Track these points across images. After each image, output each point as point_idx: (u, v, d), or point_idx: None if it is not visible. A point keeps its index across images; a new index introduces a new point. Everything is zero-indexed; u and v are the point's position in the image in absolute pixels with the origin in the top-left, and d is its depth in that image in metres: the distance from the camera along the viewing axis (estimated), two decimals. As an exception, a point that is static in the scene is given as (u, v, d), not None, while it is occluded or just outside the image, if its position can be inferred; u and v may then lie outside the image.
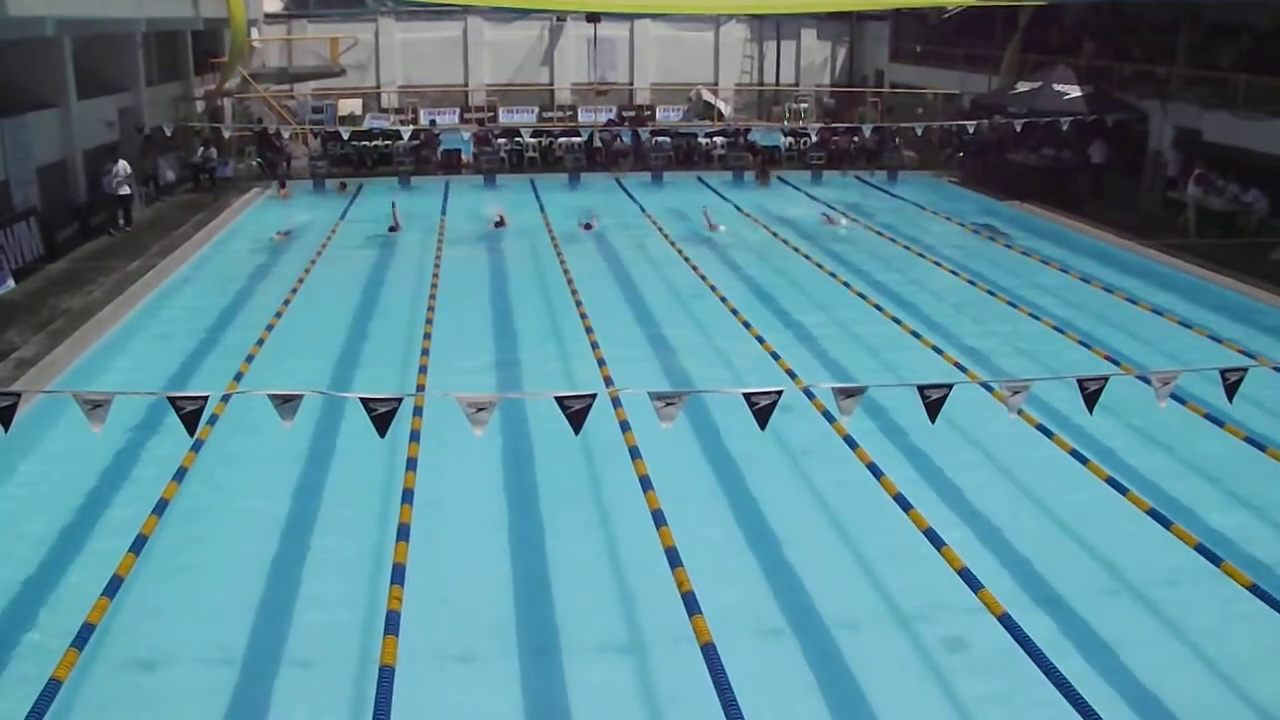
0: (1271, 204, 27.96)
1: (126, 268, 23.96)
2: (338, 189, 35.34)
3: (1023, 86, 35.86)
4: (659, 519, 11.89)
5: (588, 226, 23.83)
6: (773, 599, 11.93)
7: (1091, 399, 12.02)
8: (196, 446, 13.23)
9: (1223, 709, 10.20)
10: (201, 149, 34.87)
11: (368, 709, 8.59)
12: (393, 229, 29.03)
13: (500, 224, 28.97)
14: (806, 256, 26.29)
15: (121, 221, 27.79)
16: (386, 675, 8.93)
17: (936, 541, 11.70)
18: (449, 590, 11.79)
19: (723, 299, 21.92)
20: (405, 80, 49.03)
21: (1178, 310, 21.78)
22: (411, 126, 40.25)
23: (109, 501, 13.85)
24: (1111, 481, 13.55)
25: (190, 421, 10.82)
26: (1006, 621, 10.12)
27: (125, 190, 27.89)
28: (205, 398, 11.04)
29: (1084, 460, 14.18)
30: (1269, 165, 27.93)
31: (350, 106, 46.14)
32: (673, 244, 27.24)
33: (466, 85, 49.60)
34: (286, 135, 37.17)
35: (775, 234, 28.87)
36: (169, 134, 33.25)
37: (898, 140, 40.33)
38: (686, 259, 25.53)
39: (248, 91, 40.89)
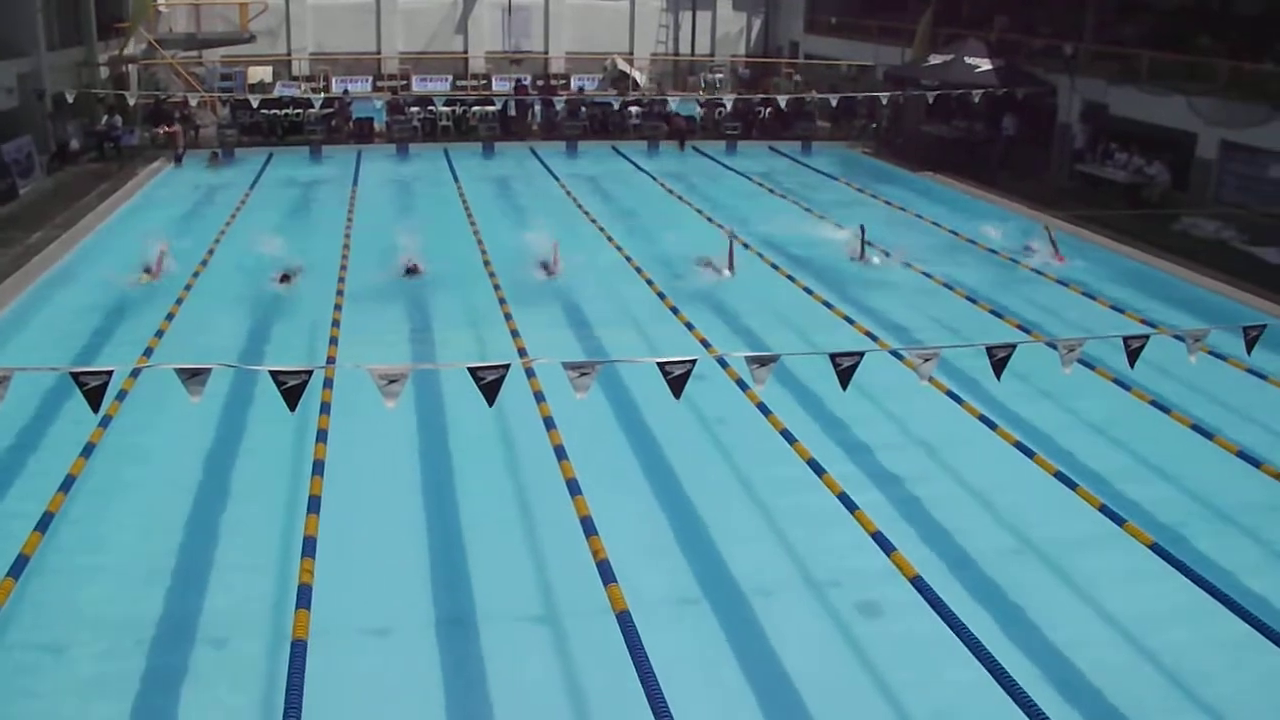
0: (1173, 176, 28.58)
1: (27, 240, 23.37)
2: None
3: (935, 59, 36.18)
4: (574, 488, 11.96)
5: (546, 268, 21.73)
6: (687, 567, 11.98)
7: (1000, 365, 12.21)
8: (104, 423, 13.02)
9: (1126, 663, 10.47)
10: (106, 117, 34.11)
11: (280, 683, 8.54)
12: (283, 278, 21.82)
13: (413, 271, 22.01)
14: (744, 243, 26.32)
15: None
16: (299, 649, 8.88)
17: (849, 505, 11.87)
18: (361, 563, 11.67)
19: (638, 269, 21.97)
20: (317, 48, 48.25)
21: (1083, 279, 22.17)
22: (323, 95, 39.71)
23: (12, 480, 13.51)
24: (1019, 446, 13.85)
25: (94, 397, 10.62)
26: (919, 584, 10.33)
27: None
28: (110, 372, 10.82)
29: (993, 425, 14.48)
30: (1171, 138, 28.54)
31: (260, 74, 45.30)
32: (584, 209, 27.30)
33: (379, 53, 48.94)
34: (194, 103, 36.48)
35: (700, 210, 28.89)
36: (71, 100, 32.47)
37: (811, 109, 40.50)
38: (602, 229, 25.57)
39: (153, 58, 40.04)
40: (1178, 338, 13.80)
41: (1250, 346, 13.44)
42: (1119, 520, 11.94)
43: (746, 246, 23.62)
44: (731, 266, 21.47)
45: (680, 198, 29.99)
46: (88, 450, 12.89)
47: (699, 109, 41.15)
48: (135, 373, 13.66)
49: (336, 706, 9.32)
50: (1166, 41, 29.81)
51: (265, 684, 9.72)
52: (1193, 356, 13.25)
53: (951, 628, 9.54)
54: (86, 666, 10.15)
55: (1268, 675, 9.95)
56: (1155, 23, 31.75)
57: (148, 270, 21.23)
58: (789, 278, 21.73)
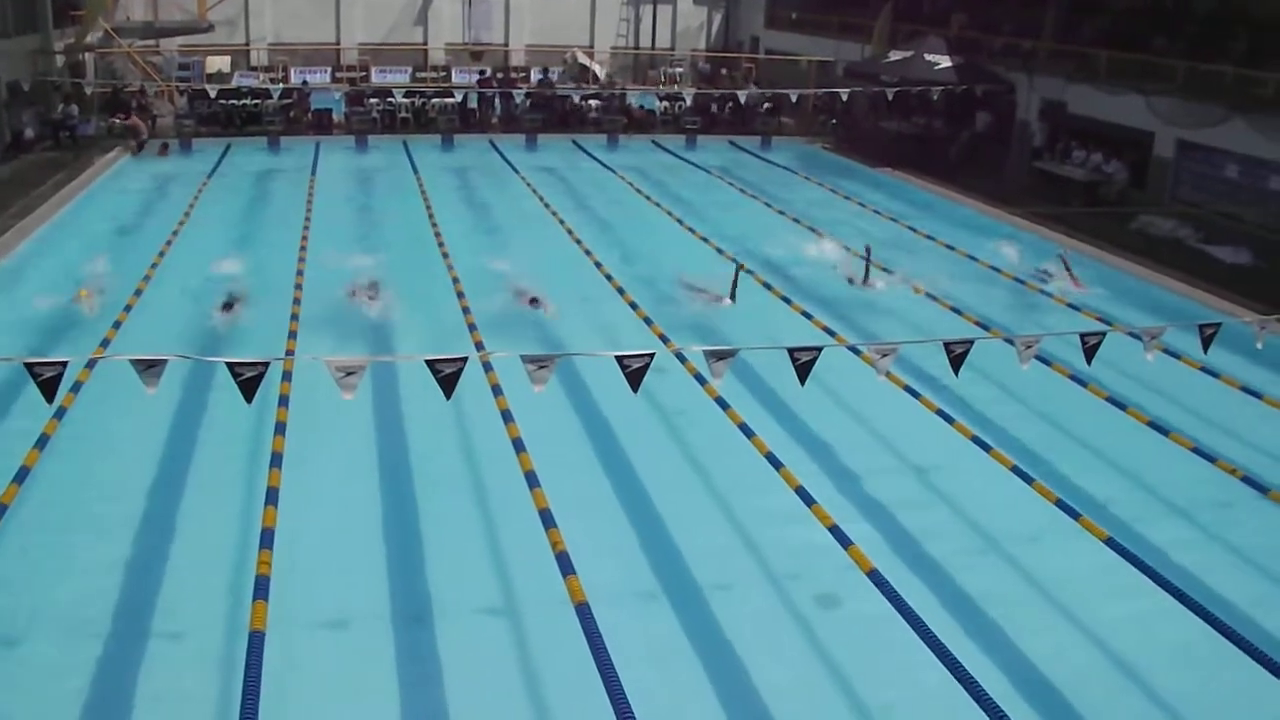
0: (1131, 175, 28.83)
1: (-19, 229, 23.03)
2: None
3: (895, 56, 36.34)
4: (532, 481, 11.93)
5: (534, 302, 20.01)
6: (646, 560, 11.99)
7: (957, 361, 12.29)
8: (59, 414, 12.86)
9: (1080, 655, 10.55)
10: (62, 105, 33.69)
11: (238, 675, 8.47)
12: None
13: (371, 296, 19.73)
14: (693, 231, 26.38)
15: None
16: (256, 641, 8.82)
17: (807, 500, 11.90)
18: (320, 555, 11.60)
19: (597, 264, 21.96)
20: (275, 38, 47.86)
21: (1037, 275, 22.30)
22: (282, 85, 39.39)
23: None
24: (976, 440, 13.95)
25: (49, 388, 10.49)
26: (875, 577, 10.36)
27: None
28: (65, 363, 10.70)
29: (950, 420, 14.55)
30: (1129, 137, 28.79)
31: (218, 64, 44.85)
32: (547, 206, 27.19)
33: (338, 44, 48.61)
34: (151, 92, 36.04)
35: (658, 204, 28.87)
36: (26, 89, 32.01)
37: (771, 106, 40.56)
38: (562, 221, 25.50)
39: (110, 46, 39.61)
40: (1134, 335, 13.92)
41: (1206, 344, 13.58)
42: (1075, 514, 12.04)
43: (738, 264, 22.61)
44: (734, 295, 20.18)
45: (648, 197, 29.78)
46: (41, 442, 12.72)
47: (659, 103, 41.10)
48: (91, 364, 13.50)
49: (295, 699, 9.25)
50: (1124, 41, 30.06)
51: (223, 676, 9.62)
52: (1149, 354, 13.37)
53: (908, 620, 9.59)
54: (41, 659, 10.01)
55: (1218, 668, 10.01)
56: (1113, 22, 31.98)
57: (87, 293, 18.94)
58: (748, 271, 21.70)
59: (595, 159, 35.02)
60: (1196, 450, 14.07)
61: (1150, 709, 9.89)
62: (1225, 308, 20.26)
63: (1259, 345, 14.37)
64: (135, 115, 34.95)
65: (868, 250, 22.11)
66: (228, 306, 18.83)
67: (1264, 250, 24.02)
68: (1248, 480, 13.25)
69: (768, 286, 20.94)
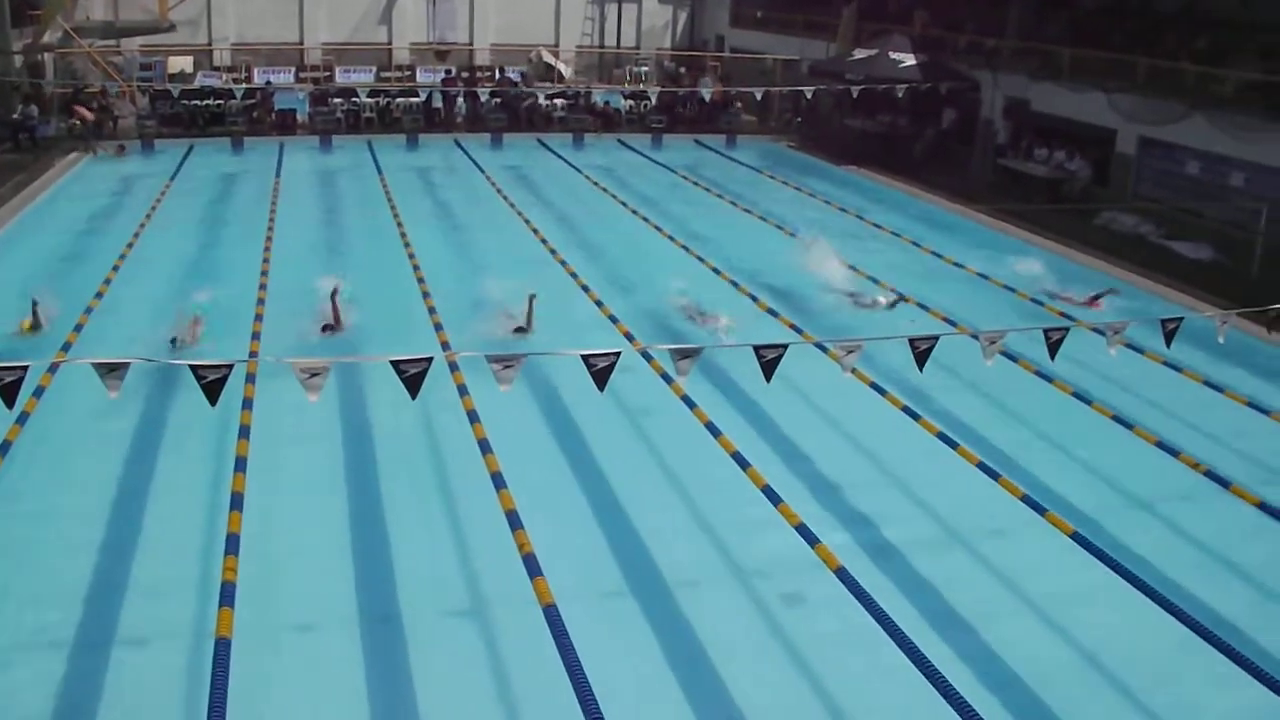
0: (1094, 172, 29.01)
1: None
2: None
3: (859, 54, 36.40)
4: (499, 482, 11.89)
5: (520, 331, 18.89)
6: (614, 559, 11.97)
7: (922, 358, 12.34)
8: (21, 420, 12.72)
9: (1048, 649, 10.60)
10: (20, 106, 33.36)
11: (204, 682, 8.39)
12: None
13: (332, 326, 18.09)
14: (656, 227, 26.38)
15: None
16: (223, 648, 8.75)
17: (774, 498, 11.90)
18: (286, 560, 11.53)
19: (562, 262, 21.93)
20: (238, 37, 47.49)
21: (1003, 274, 22.37)
22: (245, 85, 39.14)
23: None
24: (942, 436, 13.98)
25: (9, 393, 10.39)
26: (843, 575, 10.38)
27: None
28: (25, 367, 10.60)
29: (916, 417, 14.58)
30: (1092, 134, 28.97)
31: (181, 64, 44.45)
32: (509, 202, 27.20)
33: (302, 44, 48.33)
34: (113, 93, 35.78)
35: (635, 210, 28.81)
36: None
37: (737, 105, 40.62)
38: (527, 220, 25.48)
39: (70, 46, 39.26)
40: (1098, 331, 14.02)
41: (1169, 339, 13.68)
42: (1040, 510, 12.09)
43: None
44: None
45: (614, 196, 29.73)
46: (4, 448, 12.57)
47: (624, 101, 41.07)
48: (53, 368, 13.36)
49: (262, 704, 9.19)
50: (1087, 39, 30.24)
51: (188, 683, 9.54)
52: (1112, 349, 13.47)
53: (875, 618, 9.62)
54: (1, 669, 9.88)
55: (1184, 660, 10.11)
56: (1076, 20, 32.15)
57: (30, 321, 17.63)
58: (714, 270, 21.69)
59: (561, 158, 34.95)
60: (1160, 445, 14.16)
61: (1116, 698, 9.95)
62: (1187, 302, 20.42)
63: (1221, 339, 14.50)
64: (83, 108, 34.59)
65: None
66: (175, 341, 17.07)
67: (1225, 246, 24.20)
68: (1210, 474, 13.33)
69: (734, 285, 20.93)
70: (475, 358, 11.97)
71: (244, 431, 12.98)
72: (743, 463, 12.82)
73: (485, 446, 12.72)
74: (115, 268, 20.87)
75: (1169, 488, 13.59)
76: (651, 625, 10.83)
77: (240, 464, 12.23)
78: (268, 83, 41.19)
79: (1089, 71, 29.13)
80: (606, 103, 40.58)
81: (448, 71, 43.85)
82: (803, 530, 11.25)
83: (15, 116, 33.02)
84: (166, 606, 10.75)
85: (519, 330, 17.77)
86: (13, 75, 34.72)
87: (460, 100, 39.67)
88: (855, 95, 35.34)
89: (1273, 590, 11.74)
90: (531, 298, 18.11)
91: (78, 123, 34.32)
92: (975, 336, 12.91)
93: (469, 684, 9.85)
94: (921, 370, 12.44)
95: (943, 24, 36.58)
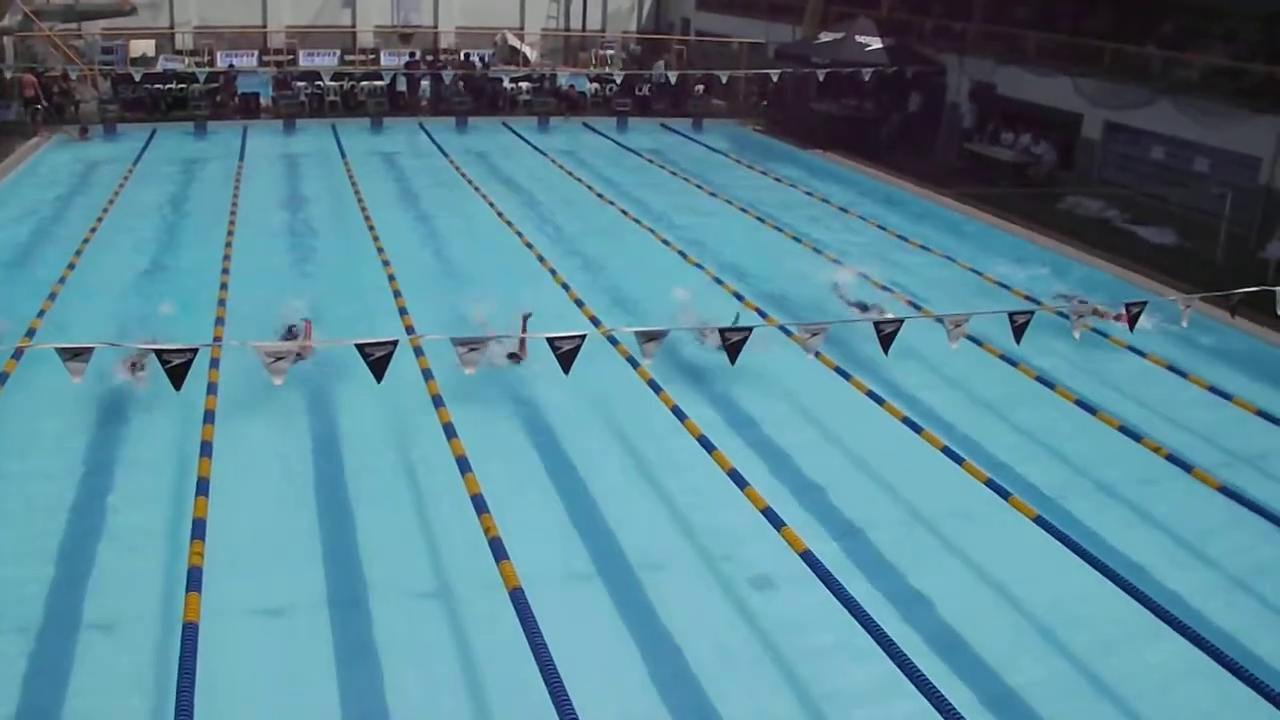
0: (1059, 156, 29.11)
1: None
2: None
3: (826, 37, 36.36)
4: (464, 466, 11.81)
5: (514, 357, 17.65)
6: (580, 543, 11.97)
7: (887, 341, 12.33)
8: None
9: (1010, 632, 10.70)
10: (-21, 89, 32.97)
11: (172, 667, 8.30)
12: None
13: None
14: (622, 210, 26.28)
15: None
16: (190, 632, 8.67)
17: (740, 482, 11.87)
18: (253, 543, 11.44)
19: (529, 245, 21.82)
20: (201, 21, 47.07)
21: (967, 256, 22.41)
22: (208, 69, 38.77)
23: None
24: (907, 421, 13.97)
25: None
26: (808, 558, 10.37)
27: None
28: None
29: (880, 401, 14.57)
30: (1057, 119, 29.06)
31: (143, 47, 44.01)
32: (475, 187, 27.07)
33: (265, 27, 47.95)
34: (74, 77, 35.34)
35: (600, 194, 28.71)
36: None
37: (699, 88, 40.54)
38: (492, 204, 25.36)
39: (30, 30, 38.76)
40: (1061, 315, 14.05)
41: (1132, 323, 13.73)
42: (1005, 494, 12.10)
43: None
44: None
45: (579, 179, 29.62)
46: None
47: (589, 85, 40.93)
48: (17, 354, 13.20)
49: (230, 688, 9.14)
50: (1051, 23, 30.32)
51: (156, 668, 9.51)
52: (1076, 332, 13.50)
53: (840, 600, 9.60)
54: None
55: (1143, 639, 10.20)
56: (1042, 4, 32.21)
57: None
58: (680, 254, 21.63)
59: (526, 141, 34.77)
60: (1123, 429, 14.19)
61: (1078, 679, 10.04)
62: (1151, 287, 20.51)
63: (1184, 324, 14.55)
64: (33, 81, 34.15)
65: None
66: (135, 366, 15.07)
67: (1189, 230, 24.33)
68: (1172, 458, 13.37)
69: (699, 266, 20.87)
70: (441, 340, 11.88)
71: (209, 416, 12.84)
72: (708, 446, 12.77)
73: (450, 431, 12.63)
74: (79, 252, 20.59)
75: (1131, 472, 13.65)
76: (617, 608, 10.84)
77: (205, 449, 12.09)
78: (231, 66, 40.79)
79: (1055, 56, 29.22)
80: (571, 86, 40.44)
81: (412, 55, 43.58)
82: (769, 513, 11.22)
83: (-26, 100, 32.58)
84: (133, 590, 10.67)
85: (512, 356, 15.69)
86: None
87: (424, 84, 39.43)
88: (821, 79, 35.30)
89: (1233, 572, 11.85)
90: (526, 317, 16.09)
91: (30, 96, 33.80)
92: (940, 320, 12.90)
93: (436, 666, 9.84)
94: (886, 353, 12.43)
95: (909, 8, 36.60)
